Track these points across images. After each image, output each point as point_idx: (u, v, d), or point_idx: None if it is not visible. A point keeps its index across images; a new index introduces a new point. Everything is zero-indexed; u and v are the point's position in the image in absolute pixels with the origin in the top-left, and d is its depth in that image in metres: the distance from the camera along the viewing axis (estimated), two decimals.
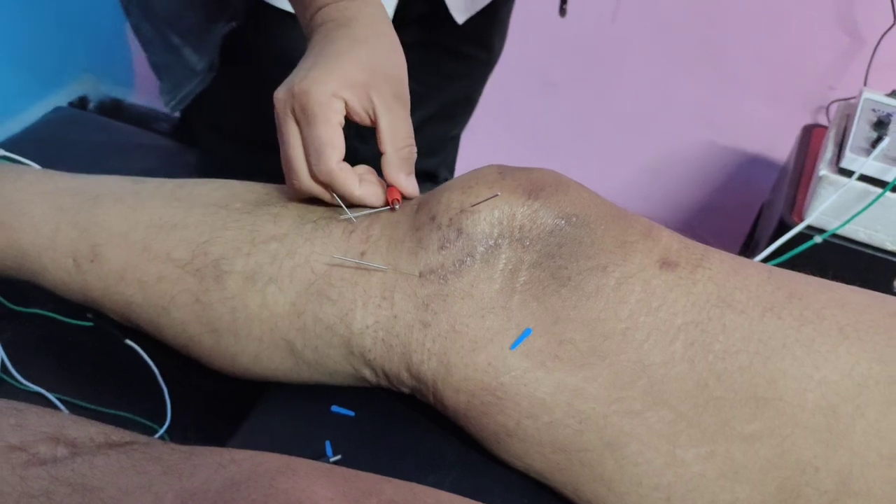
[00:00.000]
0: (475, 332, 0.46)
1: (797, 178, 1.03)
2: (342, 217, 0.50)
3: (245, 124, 0.81)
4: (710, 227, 1.55)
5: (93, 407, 0.55)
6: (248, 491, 0.35)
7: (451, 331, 0.46)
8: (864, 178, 0.89)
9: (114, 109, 1.89)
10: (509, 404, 0.45)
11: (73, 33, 1.79)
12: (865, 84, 1.24)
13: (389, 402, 0.52)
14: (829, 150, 0.95)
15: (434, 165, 1.00)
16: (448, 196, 0.48)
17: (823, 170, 0.91)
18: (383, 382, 0.50)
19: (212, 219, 0.52)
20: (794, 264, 0.60)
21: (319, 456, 0.48)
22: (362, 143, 0.65)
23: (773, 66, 1.33)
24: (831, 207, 0.90)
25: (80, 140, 0.79)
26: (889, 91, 1.00)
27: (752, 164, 1.45)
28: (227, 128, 0.84)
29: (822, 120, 1.33)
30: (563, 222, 0.47)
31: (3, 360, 0.56)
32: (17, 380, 0.56)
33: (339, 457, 0.48)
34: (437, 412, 0.50)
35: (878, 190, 0.88)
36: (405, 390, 0.50)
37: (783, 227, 0.93)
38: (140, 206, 0.54)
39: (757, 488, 0.43)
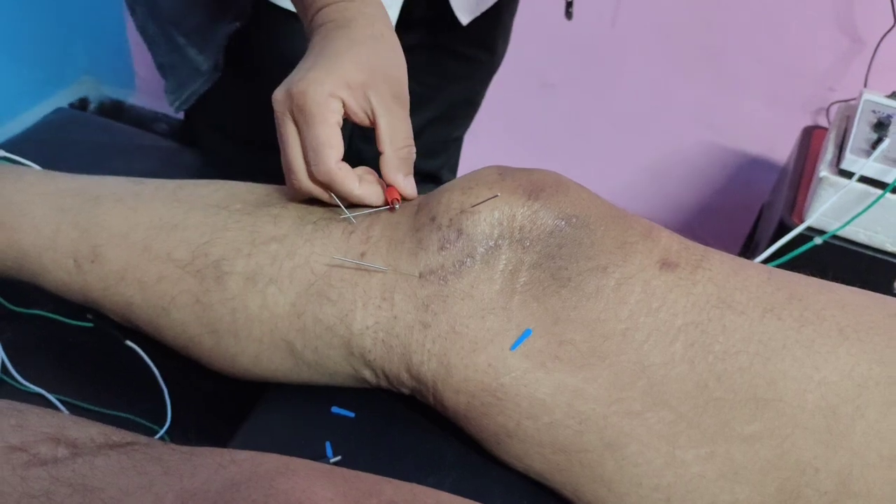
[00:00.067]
0: (475, 332, 0.46)
1: (797, 179, 1.03)
2: (341, 217, 0.50)
3: (248, 124, 0.81)
4: (710, 228, 1.55)
5: (93, 408, 0.55)
6: (249, 491, 0.35)
7: (452, 332, 0.46)
8: (864, 180, 0.89)
9: (114, 111, 1.89)
10: (509, 405, 0.45)
11: (73, 35, 1.79)
12: (865, 85, 1.24)
13: (389, 403, 0.52)
14: (829, 152, 0.95)
15: (436, 167, 1.00)
16: (448, 197, 0.48)
17: (824, 171, 0.91)
18: (383, 383, 0.50)
19: (212, 220, 0.52)
20: (794, 265, 0.60)
21: (319, 457, 0.48)
22: (365, 144, 0.65)
23: (773, 67, 1.33)
24: (831, 209, 0.90)
25: (81, 141, 0.79)
26: (889, 92, 1.00)
27: (753, 166, 1.45)
28: (230, 128, 0.84)
29: (823, 121, 1.33)
30: (563, 223, 0.47)
31: (3, 361, 0.56)
32: (17, 380, 0.56)
33: (339, 457, 0.48)
34: (437, 413, 0.50)
35: (879, 191, 0.88)
36: (405, 391, 0.50)
37: (783, 229, 0.93)
38: (141, 207, 0.54)
39: (757, 489, 0.43)
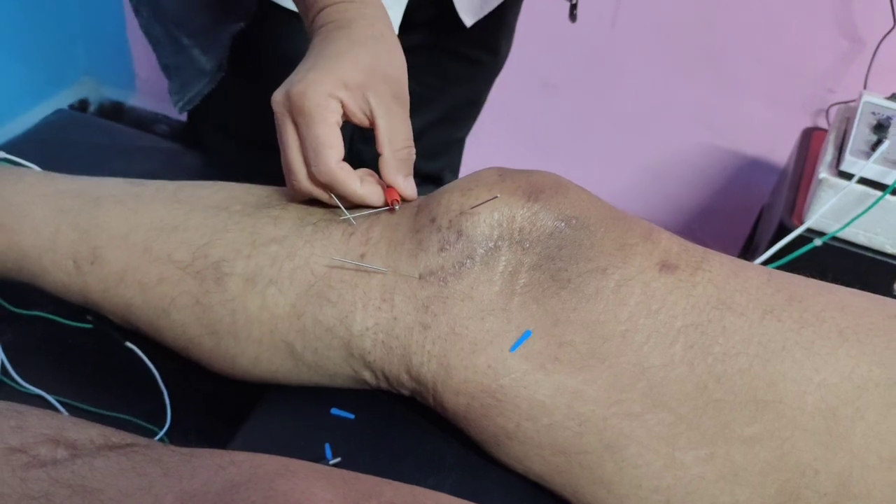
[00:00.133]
0: (475, 334, 0.46)
1: (797, 180, 1.04)
2: (341, 218, 0.50)
3: (251, 125, 0.80)
4: (710, 230, 1.55)
5: (93, 409, 0.55)
6: (248, 493, 0.35)
7: (451, 333, 0.46)
8: (863, 181, 0.89)
9: (114, 112, 1.89)
10: (509, 406, 0.45)
11: (74, 36, 1.79)
12: (865, 87, 1.24)
13: (389, 405, 0.52)
14: (828, 153, 0.95)
15: (438, 169, 1.00)
16: (448, 198, 0.48)
17: (823, 173, 0.91)
18: (383, 384, 0.50)
19: (212, 221, 0.52)
20: (793, 267, 0.60)
21: (319, 458, 0.48)
22: (366, 146, 0.65)
23: (772, 68, 1.33)
24: (831, 210, 0.90)
25: (81, 142, 0.79)
26: (889, 94, 1.00)
27: (752, 167, 1.45)
28: (232, 128, 0.84)
29: (822, 123, 1.33)
30: (562, 224, 0.47)
31: (3, 363, 0.56)
32: (17, 382, 0.56)
33: (338, 459, 0.48)
34: (436, 414, 0.50)
35: (878, 193, 0.88)
36: (405, 392, 0.50)
37: (783, 230, 0.93)
38: (141, 209, 0.54)
39: (757, 491, 0.43)
